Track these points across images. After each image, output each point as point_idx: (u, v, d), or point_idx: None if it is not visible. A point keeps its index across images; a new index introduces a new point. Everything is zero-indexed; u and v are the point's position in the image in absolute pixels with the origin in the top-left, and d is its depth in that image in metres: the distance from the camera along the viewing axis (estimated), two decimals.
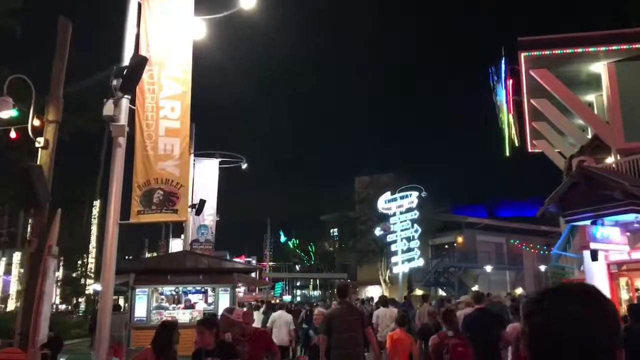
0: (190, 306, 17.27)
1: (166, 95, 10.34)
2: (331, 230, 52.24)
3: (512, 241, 42.30)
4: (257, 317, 15.54)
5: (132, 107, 10.16)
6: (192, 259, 17.00)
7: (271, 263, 60.78)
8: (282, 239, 65.19)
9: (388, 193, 29.77)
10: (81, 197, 32.01)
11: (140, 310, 16.07)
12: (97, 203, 31.21)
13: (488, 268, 39.28)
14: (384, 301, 14.48)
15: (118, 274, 17.84)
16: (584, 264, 18.24)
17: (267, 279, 60.35)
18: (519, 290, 37.64)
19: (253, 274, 22.31)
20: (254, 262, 77.89)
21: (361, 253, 41.34)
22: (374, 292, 40.77)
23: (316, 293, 55.60)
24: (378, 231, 29.96)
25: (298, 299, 54.20)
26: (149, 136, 10.19)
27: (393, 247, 28.75)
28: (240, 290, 55.19)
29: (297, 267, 62.30)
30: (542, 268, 40.92)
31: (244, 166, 22.77)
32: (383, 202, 29.56)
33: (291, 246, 59.69)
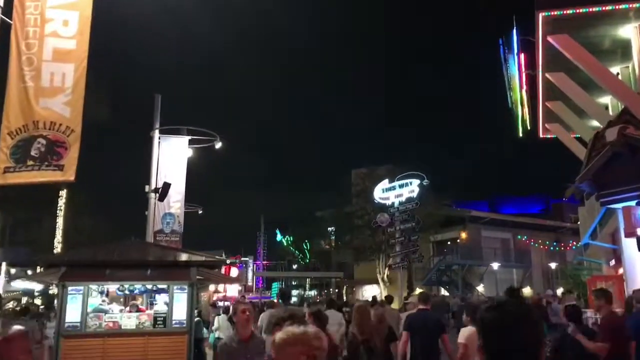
0: (138, 310, 13.63)
1: (57, 3, 6.86)
2: (328, 228, 48.89)
3: (519, 237, 38.67)
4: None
5: (8, 20, 6.67)
6: (139, 250, 13.36)
7: (265, 262, 57.17)
8: (279, 237, 61.58)
9: (386, 181, 26.19)
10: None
11: (72, 315, 12.42)
12: (63, 193, 27.67)
13: (494, 265, 35.61)
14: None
15: (48, 268, 14.27)
16: (624, 256, 14.64)
17: (260, 278, 56.83)
18: (526, 290, 33.93)
19: (220, 270, 18.65)
20: (251, 262, 74.43)
21: (358, 250, 37.79)
22: (372, 291, 37.27)
23: (312, 293, 52.00)
24: (375, 224, 26.33)
25: (294, 299, 50.56)
26: (29, 61, 6.71)
27: (391, 241, 25.18)
28: (232, 289, 51.48)
29: (295, 267, 58.72)
30: (552, 265, 37.30)
31: (218, 145, 19.14)
32: (380, 192, 25.97)
33: (285, 244, 55.95)
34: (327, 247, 50.48)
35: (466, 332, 6.41)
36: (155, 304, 14.82)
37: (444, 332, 7.25)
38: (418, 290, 35.21)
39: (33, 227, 29.82)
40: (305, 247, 53.35)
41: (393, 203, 25.20)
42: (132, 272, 12.66)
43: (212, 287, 21.06)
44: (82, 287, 12.61)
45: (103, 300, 14.41)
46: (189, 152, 19.11)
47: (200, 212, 30.82)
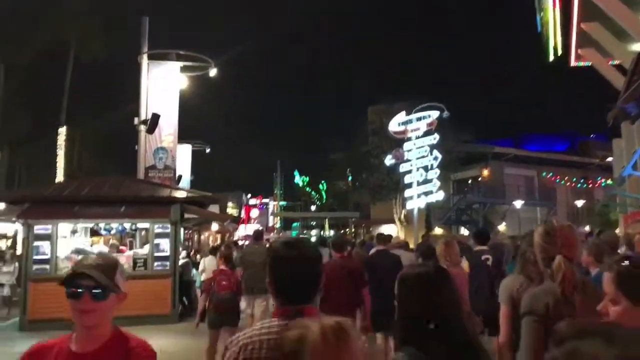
0: (118, 251, 12.07)
1: None
2: (344, 168, 47.03)
3: (544, 174, 36.20)
4: None
5: None
6: (114, 185, 11.65)
7: (283, 203, 55.87)
8: (297, 179, 60.03)
9: (402, 113, 23.82)
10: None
11: (41, 257, 10.90)
12: (62, 130, 26.07)
13: (518, 204, 33.44)
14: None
15: (10, 204, 12.68)
16: None
17: (277, 218, 55.71)
18: None
19: (215, 207, 16.95)
20: (271, 203, 73.35)
21: (374, 190, 35.90)
22: (388, 231, 35.55)
23: (331, 233, 50.78)
24: (389, 160, 24.20)
25: (313, 239, 49.42)
26: None
27: (407, 179, 23.10)
28: (253, 228, 50.62)
29: (313, 208, 57.36)
30: (578, 203, 35.00)
31: (213, 72, 17.03)
32: (396, 125, 23.68)
33: (300, 184, 54.36)
34: (344, 188, 48.81)
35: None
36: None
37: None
38: (437, 230, 33.45)
39: (36, 168, 28.61)
40: (321, 188, 51.74)
41: (410, 137, 22.97)
42: (105, 209, 10.97)
43: (214, 227, 19.46)
44: (50, 226, 11.04)
45: (85, 242, 12.91)
46: (181, 81, 17.07)
47: (207, 150, 29.18)
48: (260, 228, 13.66)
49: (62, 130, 26.03)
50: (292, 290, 1.86)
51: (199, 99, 21.19)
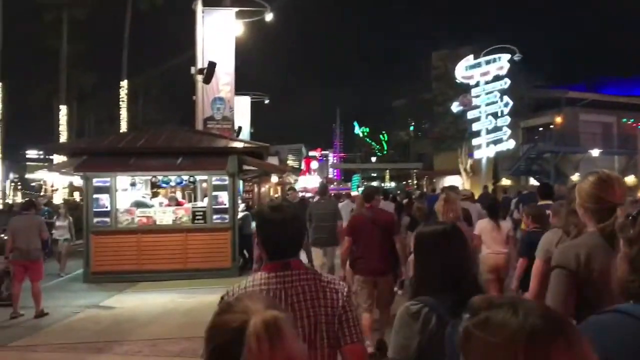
0: (177, 204, 11.75)
1: None
2: (406, 118, 45.34)
3: (624, 120, 33.34)
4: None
5: None
6: (169, 136, 11.20)
7: (342, 154, 55.09)
8: (357, 130, 58.86)
9: (470, 57, 22.20)
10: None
11: (101, 209, 10.72)
12: (124, 83, 26.11)
13: (594, 152, 31.05)
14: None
15: (70, 157, 12.49)
16: None
17: (337, 170, 55.25)
18: (630, 178, 29.44)
19: (274, 160, 16.35)
20: (331, 155, 72.81)
21: (438, 139, 34.27)
22: (453, 182, 34.17)
23: (392, 185, 49.76)
24: (456, 107, 22.80)
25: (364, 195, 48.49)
26: None
27: (475, 127, 21.72)
28: (313, 180, 50.26)
29: (373, 160, 56.32)
30: None
31: (269, 17, 16.14)
32: (463, 69, 22.15)
33: (360, 135, 53.15)
34: (405, 138, 47.30)
35: (481, 224, 6.51)
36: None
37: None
38: (505, 181, 31.79)
39: (104, 121, 29.08)
40: (382, 138, 50.39)
41: (478, 82, 21.43)
42: (160, 161, 10.56)
43: (274, 179, 19.00)
44: (108, 179, 10.80)
45: (146, 194, 12.72)
46: (237, 28, 16.30)
47: (266, 101, 28.64)
48: (325, 182, 13.00)
49: (124, 84, 26.11)
50: (278, 247, 2.02)
51: (255, 47, 20.45)
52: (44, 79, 27.56)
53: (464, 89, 22.91)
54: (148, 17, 29.25)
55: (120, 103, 25.76)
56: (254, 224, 12.58)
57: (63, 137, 25.23)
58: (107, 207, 10.75)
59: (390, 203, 11.22)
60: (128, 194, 11.80)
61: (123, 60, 26.37)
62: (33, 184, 48.15)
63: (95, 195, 10.73)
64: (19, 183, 54.71)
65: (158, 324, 7.26)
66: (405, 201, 13.62)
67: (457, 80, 22.98)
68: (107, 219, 10.77)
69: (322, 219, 8.68)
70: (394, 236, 5.80)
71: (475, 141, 22.16)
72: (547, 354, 0.84)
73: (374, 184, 54.07)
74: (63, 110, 26.40)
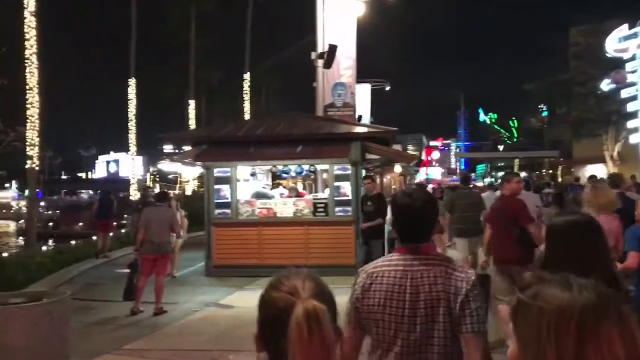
0: (298, 195, 10.96)
1: None
2: (538, 103, 41.48)
3: None
4: None
5: None
6: (288, 123, 10.40)
7: (467, 143, 52.00)
8: (481, 117, 55.33)
9: (624, 26, 19.10)
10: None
11: (221, 200, 10.27)
12: (247, 76, 26.27)
13: None
14: None
15: (192, 144, 12.11)
16: None
17: (458, 160, 52.29)
18: None
19: (408, 144, 14.98)
20: (453, 144, 69.49)
21: (578, 124, 30.61)
22: (595, 171, 30.39)
23: (522, 175, 46.05)
24: (606, 85, 19.85)
25: (500, 181, 45.30)
26: None
27: (631, 107, 18.68)
28: (435, 171, 48.04)
29: (500, 148, 52.61)
30: None
31: None
32: (615, 41, 19.16)
33: (487, 122, 49.69)
34: (538, 125, 43.38)
35: None
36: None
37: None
38: None
39: (229, 114, 29.67)
40: (512, 125, 46.65)
41: (634, 55, 18.36)
42: (280, 150, 9.81)
43: (397, 169, 17.72)
44: (229, 169, 10.31)
45: (266, 185, 12.15)
46: (358, 7, 15.25)
47: (387, 88, 27.41)
48: (467, 172, 11.58)
49: (247, 77, 26.32)
50: (407, 231, 2.11)
51: (375, 30, 19.25)
52: (175, 75, 28.70)
53: (616, 64, 19.82)
54: (269, 8, 29.29)
55: (244, 96, 26.08)
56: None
57: None
58: (227, 198, 10.27)
59: (533, 194, 9.63)
60: (248, 184, 11.28)
61: (245, 53, 26.68)
62: (170, 176, 51.45)
63: (216, 186, 10.30)
64: (157, 176, 58.82)
65: None
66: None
67: (607, 55, 19.93)
68: (228, 211, 10.29)
69: (465, 209, 8.38)
70: (527, 226, 5.42)
71: (630, 124, 19.09)
72: (597, 328, 0.87)
73: (500, 174, 50.53)
74: (192, 104, 27.33)
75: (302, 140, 9.71)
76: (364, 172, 10.74)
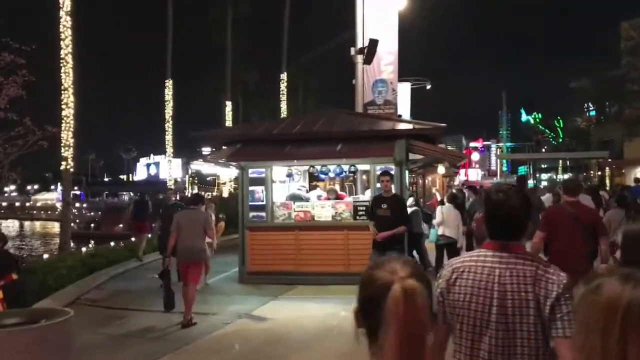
0: (337, 197, 10.20)
1: None
2: (585, 102, 39.56)
3: None
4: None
5: None
6: (327, 120, 9.67)
7: (509, 144, 50.19)
8: (524, 117, 53.31)
9: None
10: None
11: (256, 203, 9.63)
12: (284, 76, 25.72)
13: None
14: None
15: (226, 144, 11.42)
16: None
17: (500, 161, 50.41)
18: None
19: (447, 145, 14.05)
20: (494, 145, 67.36)
21: (630, 123, 28.93)
22: None
23: (565, 177, 43.99)
24: None
25: (544, 184, 43.52)
26: None
27: None
28: (474, 173, 46.47)
29: (544, 149, 50.56)
30: None
31: None
32: None
33: (532, 121, 47.70)
34: (585, 125, 41.37)
35: None
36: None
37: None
38: None
39: (267, 116, 29.24)
40: (557, 124, 44.63)
41: None
42: (318, 148, 9.09)
43: (441, 170, 16.77)
44: (263, 169, 9.67)
45: (302, 187, 11.45)
46: (400, 0, 14.43)
47: (428, 86, 26.43)
48: (524, 176, 10.63)
49: (284, 77, 25.78)
50: (496, 227, 2.04)
51: (416, 27, 18.34)
52: (212, 77, 28.45)
53: None
54: (307, 5, 28.83)
55: (281, 96, 25.54)
56: (424, 225, 10.70)
57: None
58: (262, 201, 9.63)
59: (586, 196, 8.61)
60: (285, 186, 10.62)
61: (283, 53, 26.17)
62: (208, 178, 51.54)
63: (250, 188, 9.67)
64: (195, 178, 59.10)
65: (314, 349, 5.72)
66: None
67: None
68: (263, 214, 9.64)
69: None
70: (600, 238, 5.12)
71: None
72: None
73: (544, 176, 48.45)
74: (228, 106, 26.97)
75: (342, 139, 8.97)
76: (407, 173, 9.93)
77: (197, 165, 11.73)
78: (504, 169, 48.22)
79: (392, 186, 7.46)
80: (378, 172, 9.24)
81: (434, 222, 9.51)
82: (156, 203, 14.90)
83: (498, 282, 1.91)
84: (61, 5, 14.05)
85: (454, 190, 11.88)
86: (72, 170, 14.25)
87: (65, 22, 14.11)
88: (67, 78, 14.08)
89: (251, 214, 9.68)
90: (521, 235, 2.04)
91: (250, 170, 9.64)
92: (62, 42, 14.05)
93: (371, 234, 9.28)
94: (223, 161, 10.18)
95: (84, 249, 14.38)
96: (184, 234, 7.22)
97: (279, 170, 10.07)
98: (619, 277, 0.98)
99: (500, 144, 53.47)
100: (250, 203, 9.66)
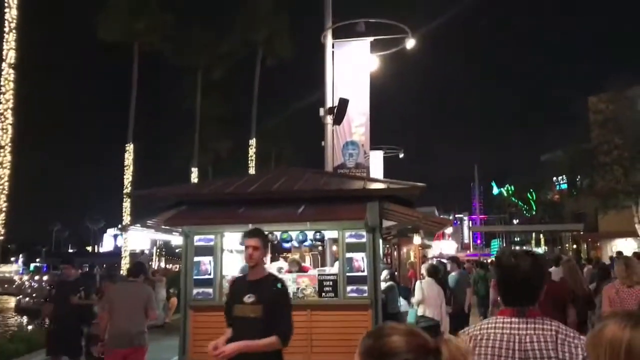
0: (300, 269, 8.60)
1: None
2: (555, 176, 39.57)
3: None
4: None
5: None
6: (289, 179, 8.25)
7: (482, 216, 49.54)
8: (495, 190, 53.23)
9: None
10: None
11: (202, 277, 7.97)
12: (252, 142, 24.59)
13: None
14: None
15: (167, 208, 9.70)
16: None
17: (479, 234, 49.52)
18: None
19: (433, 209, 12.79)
20: (466, 218, 66.94)
21: (604, 195, 28.49)
22: (624, 246, 27.90)
23: (539, 250, 43.13)
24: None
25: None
26: None
27: None
28: (448, 246, 45.30)
29: (515, 221, 50.05)
30: None
31: (410, 44, 13.16)
32: None
33: (505, 194, 47.35)
34: (555, 198, 41.17)
35: None
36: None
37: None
38: None
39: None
40: (530, 197, 44.29)
41: None
42: (278, 210, 7.58)
43: (417, 240, 15.40)
44: (212, 237, 8.08)
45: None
46: (372, 61, 13.59)
47: (401, 155, 25.57)
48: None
49: (252, 142, 24.68)
50: (510, 293, 2.00)
51: (388, 94, 17.62)
52: (180, 143, 27.28)
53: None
54: (275, 69, 28.42)
55: (249, 163, 24.31)
56: (402, 300, 9.11)
57: None
58: (210, 274, 7.97)
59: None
60: (239, 256, 9.01)
61: (252, 119, 25.19)
62: (178, 250, 49.04)
63: (196, 258, 8.03)
64: (163, 249, 56.38)
65: None
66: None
67: None
68: (210, 290, 7.95)
69: None
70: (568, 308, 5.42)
71: None
72: None
73: (517, 249, 47.53)
74: (194, 172, 25.55)
75: (306, 199, 7.51)
76: (381, 242, 8.49)
77: (135, 232, 10.02)
78: (476, 241, 47.22)
79: (268, 259, 6.00)
80: (348, 239, 7.77)
81: (413, 300, 7.97)
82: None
83: (519, 349, 1.87)
84: (4, 58, 12.78)
85: (434, 262, 10.41)
86: (1, 237, 12.38)
87: (7, 75, 12.78)
88: (5, 135, 12.56)
89: (195, 290, 7.97)
90: (536, 299, 1.98)
91: (196, 238, 8.03)
92: (1, 97, 12.65)
93: (338, 314, 7.70)
94: (165, 227, 8.57)
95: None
96: (117, 313, 5.66)
97: (231, 237, 8.47)
98: (622, 318, 1.07)
99: (473, 216, 52.90)
100: (195, 277, 7.97)
